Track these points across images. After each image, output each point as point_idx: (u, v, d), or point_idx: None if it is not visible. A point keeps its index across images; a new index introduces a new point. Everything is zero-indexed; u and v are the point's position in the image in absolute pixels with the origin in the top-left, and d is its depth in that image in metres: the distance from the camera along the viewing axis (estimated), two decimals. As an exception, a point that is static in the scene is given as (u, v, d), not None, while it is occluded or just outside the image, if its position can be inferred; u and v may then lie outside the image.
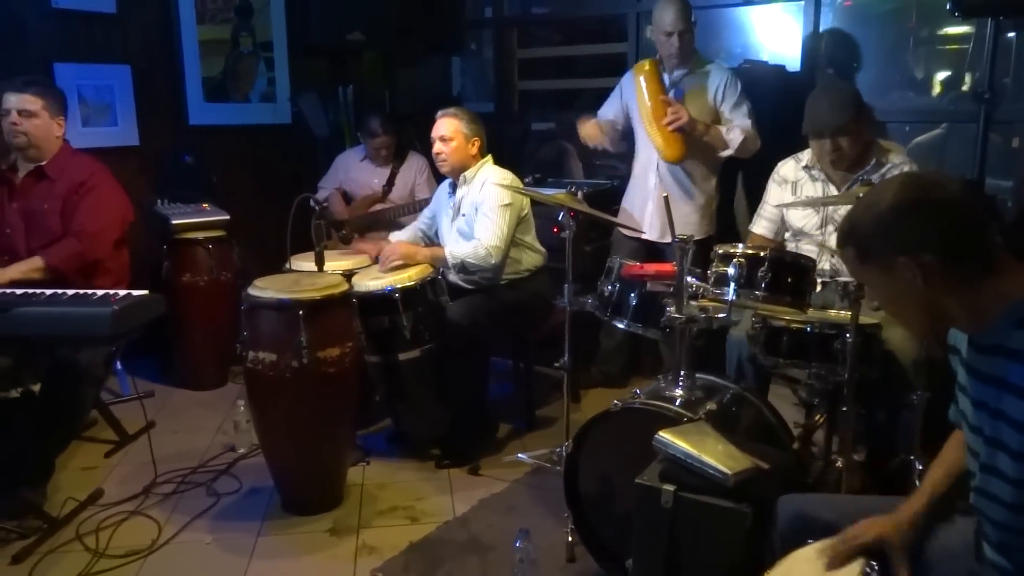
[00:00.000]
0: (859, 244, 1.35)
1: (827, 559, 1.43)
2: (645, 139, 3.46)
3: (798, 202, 2.74)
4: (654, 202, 3.49)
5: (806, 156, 2.78)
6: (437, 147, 3.16)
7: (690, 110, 3.32)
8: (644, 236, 3.45)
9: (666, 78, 3.44)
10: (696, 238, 3.22)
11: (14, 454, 2.69)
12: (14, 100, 2.88)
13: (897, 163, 2.65)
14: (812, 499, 1.65)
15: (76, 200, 2.94)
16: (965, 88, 3.71)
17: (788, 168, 2.83)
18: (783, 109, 3.73)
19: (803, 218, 2.76)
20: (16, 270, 2.78)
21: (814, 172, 2.75)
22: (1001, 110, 3.06)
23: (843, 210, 2.43)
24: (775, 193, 2.85)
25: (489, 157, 3.24)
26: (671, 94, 3.39)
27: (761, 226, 2.91)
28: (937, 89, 3.90)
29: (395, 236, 3.49)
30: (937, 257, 1.26)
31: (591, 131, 3.54)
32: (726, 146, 3.34)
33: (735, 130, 3.32)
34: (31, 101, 2.89)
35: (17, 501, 2.65)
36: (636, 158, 3.61)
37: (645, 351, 3.84)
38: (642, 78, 3.34)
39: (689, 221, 3.40)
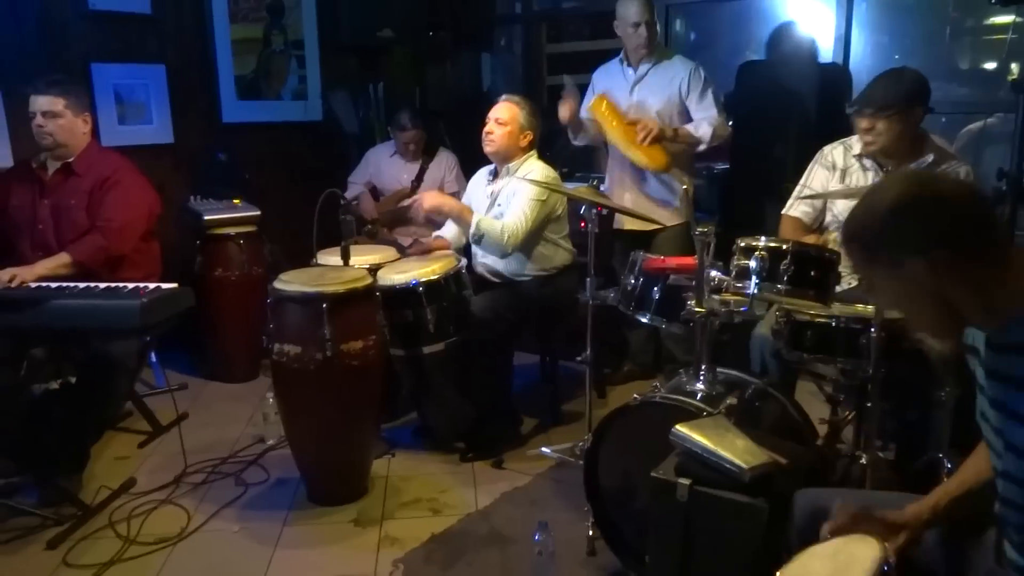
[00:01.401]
0: (865, 244, 1.31)
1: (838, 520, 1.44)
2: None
3: (837, 192, 2.64)
4: (631, 194, 3.55)
5: (857, 144, 2.67)
6: (490, 127, 3.17)
7: (655, 103, 3.42)
8: (625, 227, 3.54)
9: (631, 73, 3.49)
10: (673, 223, 3.43)
11: (52, 443, 2.77)
12: (38, 102, 2.95)
13: (953, 165, 2.56)
14: (828, 493, 1.62)
15: (101, 195, 3.01)
16: (1011, 78, 3.60)
17: (838, 154, 2.73)
18: (815, 100, 3.68)
19: (850, 207, 2.67)
20: (43, 267, 2.84)
21: (865, 161, 2.65)
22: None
23: None
24: (820, 178, 2.75)
25: (534, 152, 3.25)
26: (637, 89, 3.47)
27: (798, 210, 2.79)
28: (976, 79, 3.79)
29: (438, 233, 3.49)
30: (945, 252, 1.21)
31: (567, 107, 3.42)
32: (699, 141, 3.38)
33: (703, 124, 3.36)
34: (54, 102, 2.95)
35: (53, 489, 2.73)
36: (611, 156, 3.66)
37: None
38: (600, 115, 3.40)
39: (665, 210, 3.46)
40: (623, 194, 3.59)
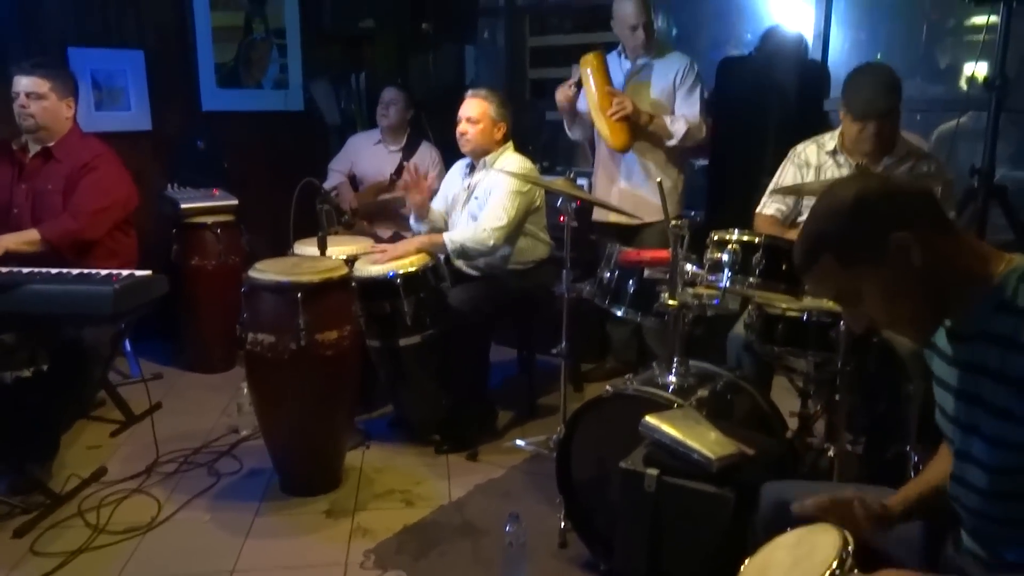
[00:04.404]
0: (837, 247, 1.26)
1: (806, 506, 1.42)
2: None
3: (811, 185, 2.65)
4: (618, 188, 3.55)
5: (830, 141, 2.69)
6: (463, 127, 3.16)
7: (650, 96, 3.41)
8: (610, 220, 3.49)
9: (628, 65, 3.49)
10: (659, 219, 3.24)
11: (23, 431, 2.74)
12: (23, 83, 2.93)
13: (924, 156, 2.58)
14: (794, 486, 1.63)
15: (77, 180, 2.98)
16: (983, 76, 3.63)
17: (811, 152, 2.74)
18: (795, 96, 3.69)
19: None
20: (10, 240, 2.81)
21: (839, 158, 2.66)
22: (1019, 99, 2.99)
23: None
24: (792, 176, 2.77)
25: (510, 144, 3.24)
26: (632, 81, 3.46)
27: (771, 208, 2.82)
28: (953, 78, 3.83)
29: (416, 227, 3.46)
30: (924, 222, 1.22)
31: (563, 94, 3.48)
32: (671, 136, 3.39)
33: (679, 121, 3.38)
34: (39, 84, 2.93)
35: (22, 477, 2.70)
36: (598, 147, 3.64)
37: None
38: (588, 70, 3.36)
39: (651, 205, 3.41)
40: (610, 187, 3.58)
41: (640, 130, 3.36)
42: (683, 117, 3.38)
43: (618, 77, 3.49)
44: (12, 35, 3.64)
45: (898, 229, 1.21)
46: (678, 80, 3.42)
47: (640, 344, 3.86)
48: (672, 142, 3.41)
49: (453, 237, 3.07)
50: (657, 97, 3.44)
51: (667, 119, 3.39)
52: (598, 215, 3.64)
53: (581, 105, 3.53)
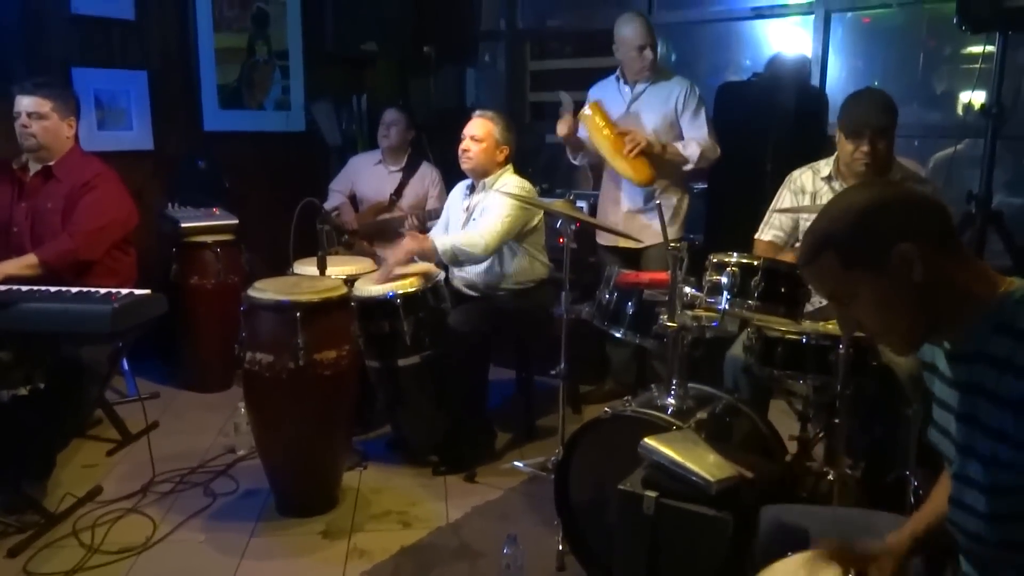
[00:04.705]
0: (842, 247, 1.25)
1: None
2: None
3: (809, 208, 2.67)
4: (622, 212, 3.57)
5: (826, 167, 2.71)
6: (466, 144, 3.18)
7: (651, 120, 3.43)
8: (619, 245, 3.51)
9: (629, 91, 3.52)
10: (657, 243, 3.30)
11: (18, 450, 2.73)
12: (24, 102, 2.94)
13: (921, 180, 2.61)
14: (793, 509, 1.62)
15: (76, 199, 2.99)
16: (980, 104, 3.67)
17: (806, 178, 2.76)
18: (793, 122, 3.73)
19: None
20: (11, 266, 2.81)
21: (835, 184, 2.68)
22: (1015, 126, 3.03)
23: None
24: (789, 202, 2.79)
25: (510, 166, 3.26)
26: (633, 107, 3.50)
27: (769, 234, 2.84)
28: (949, 105, 3.87)
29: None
30: (932, 241, 1.21)
31: (564, 128, 3.49)
32: (686, 160, 3.42)
33: (691, 144, 3.40)
34: (41, 103, 2.94)
35: (17, 496, 2.68)
36: (604, 173, 3.68)
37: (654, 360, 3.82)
38: (590, 124, 3.42)
39: (655, 228, 3.43)
40: (617, 211, 3.60)
41: (658, 159, 3.37)
42: (694, 140, 3.40)
43: (619, 103, 3.52)
44: (16, 55, 3.67)
45: (903, 241, 1.21)
46: (680, 105, 3.44)
47: (640, 366, 3.86)
48: (689, 166, 3.43)
49: (444, 240, 3.05)
50: (660, 121, 3.45)
51: (679, 145, 3.40)
52: (605, 240, 3.64)
53: (582, 132, 3.57)
